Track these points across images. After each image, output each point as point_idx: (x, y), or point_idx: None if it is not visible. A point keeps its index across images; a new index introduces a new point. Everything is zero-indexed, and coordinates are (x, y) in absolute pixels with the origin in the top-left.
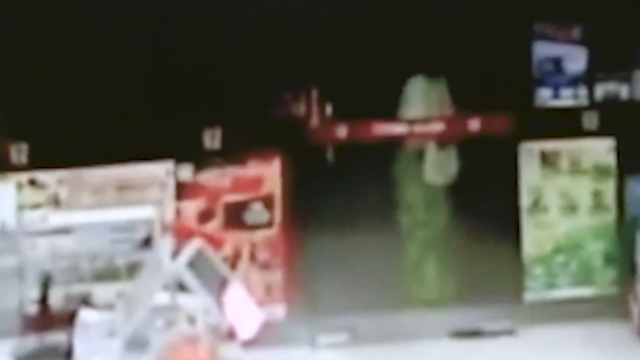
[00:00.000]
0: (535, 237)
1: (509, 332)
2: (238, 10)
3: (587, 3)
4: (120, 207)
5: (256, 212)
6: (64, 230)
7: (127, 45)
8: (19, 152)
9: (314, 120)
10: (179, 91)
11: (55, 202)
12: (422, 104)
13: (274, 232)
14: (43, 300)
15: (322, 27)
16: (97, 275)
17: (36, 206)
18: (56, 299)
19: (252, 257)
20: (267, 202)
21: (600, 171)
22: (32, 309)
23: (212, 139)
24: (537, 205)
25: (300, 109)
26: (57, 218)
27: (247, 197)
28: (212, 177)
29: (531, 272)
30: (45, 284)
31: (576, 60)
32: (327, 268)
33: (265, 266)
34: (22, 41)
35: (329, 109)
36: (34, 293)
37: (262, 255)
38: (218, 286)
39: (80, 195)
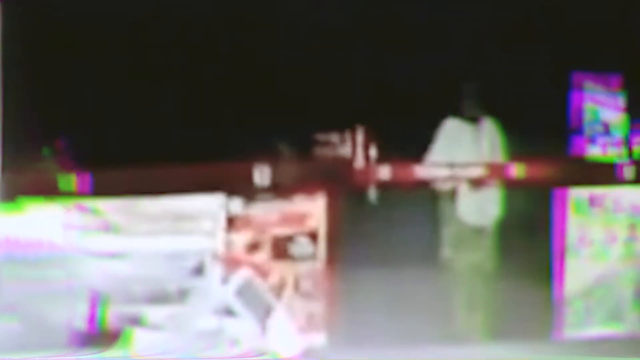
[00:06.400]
0: (569, 279)
1: None
2: (288, 51)
3: (626, 53)
4: (174, 236)
5: (301, 246)
6: (121, 256)
7: (185, 87)
8: (83, 182)
9: (359, 161)
10: (232, 129)
11: (116, 229)
12: (461, 146)
13: (317, 264)
14: (97, 318)
15: (369, 72)
16: (150, 299)
17: (97, 232)
18: (109, 317)
19: (296, 287)
20: (312, 236)
21: (636, 216)
22: (85, 326)
23: (262, 175)
24: (571, 249)
25: (346, 149)
26: (116, 243)
27: (294, 231)
28: (261, 211)
29: (563, 312)
30: (101, 303)
31: (614, 109)
32: (365, 301)
33: (308, 296)
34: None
35: (373, 151)
36: (88, 311)
37: (306, 285)
38: (263, 313)
39: (137, 224)
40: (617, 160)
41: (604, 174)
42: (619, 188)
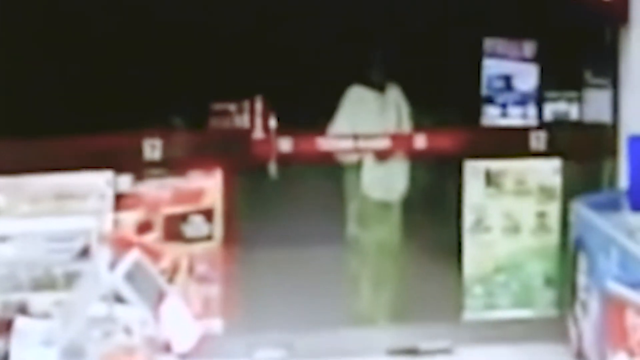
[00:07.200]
0: (476, 256)
1: (447, 351)
2: (180, 17)
3: (540, 21)
4: (58, 216)
5: (196, 225)
6: (1, 239)
7: (68, 56)
8: None
9: (258, 133)
10: (119, 100)
11: None
12: (366, 116)
13: (213, 245)
14: None
15: (267, 39)
16: (35, 284)
17: None
18: None
19: (191, 270)
20: (208, 215)
21: (545, 192)
22: None
23: (152, 150)
24: (479, 225)
25: (244, 121)
26: None
27: (187, 209)
28: (152, 188)
29: (471, 291)
30: None
31: (527, 78)
32: (266, 283)
33: (204, 280)
34: None
35: (272, 122)
36: None
37: (201, 268)
38: (155, 298)
39: (18, 204)
40: (529, 131)
41: (515, 145)
42: (530, 160)
